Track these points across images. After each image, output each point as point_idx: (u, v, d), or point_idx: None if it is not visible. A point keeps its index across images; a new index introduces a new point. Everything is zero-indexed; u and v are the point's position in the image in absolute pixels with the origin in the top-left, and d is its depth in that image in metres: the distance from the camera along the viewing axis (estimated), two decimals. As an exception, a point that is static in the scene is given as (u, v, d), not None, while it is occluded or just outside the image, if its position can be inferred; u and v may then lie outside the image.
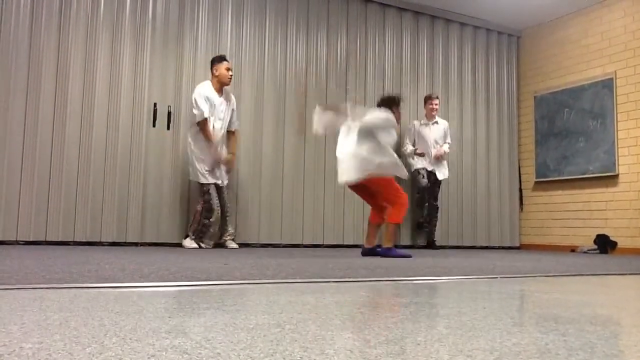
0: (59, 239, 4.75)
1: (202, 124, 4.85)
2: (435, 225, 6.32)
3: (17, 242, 4.60)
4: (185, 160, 5.19)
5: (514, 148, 7.31)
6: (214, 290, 1.74)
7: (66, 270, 2.18)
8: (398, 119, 4.27)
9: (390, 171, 4.09)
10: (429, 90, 6.66)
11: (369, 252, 4.21)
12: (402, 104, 4.45)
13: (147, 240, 5.09)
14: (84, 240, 4.83)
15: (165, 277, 2.07)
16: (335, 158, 6.14)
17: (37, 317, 1.15)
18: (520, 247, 7.23)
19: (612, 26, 6.45)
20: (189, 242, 4.88)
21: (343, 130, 4.23)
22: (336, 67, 6.19)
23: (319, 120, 4.21)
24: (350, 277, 2.27)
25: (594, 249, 6.23)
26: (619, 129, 6.25)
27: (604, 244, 6.17)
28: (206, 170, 4.89)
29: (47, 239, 4.71)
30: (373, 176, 4.04)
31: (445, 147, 6.28)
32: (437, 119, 6.33)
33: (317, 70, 6.07)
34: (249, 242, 5.53)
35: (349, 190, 6.07)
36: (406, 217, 6.02)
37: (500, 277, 2.52)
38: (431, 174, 6.25)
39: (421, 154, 6.22)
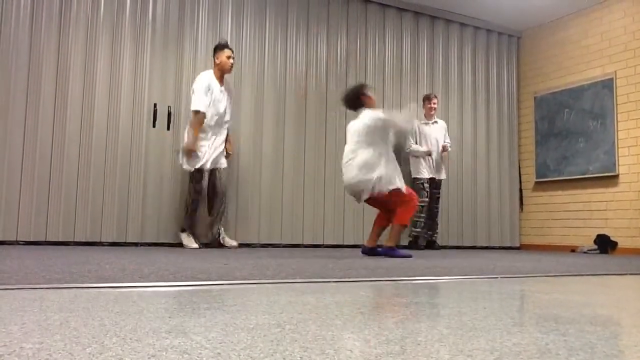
0: (59, 239, 4.75)
1: (194, 114, 4.79)
2: (436, 228, 6.30)
3: (17, 242, 4.61)
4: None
5: (514, 148, 7.32)
6: (214, 291, 1.74)
7: (66, 271, 2.18)
8: (373, 104, 4.17)
9: (393, 181, 3.98)
10: (429, 91, 6.67)
11: (369, 252, 4.19)
12: (369, 88, 4.21)
13: (147, 241, 5.09)
14: (84, 240, 4.84)
15: (165, 277, 2.07)
16: (335, 158, 6.19)
17: (38, 317, 1.15)
18: (521, 247, 7.23)
19: (612, 27, 6.46)
20: (187, 240, 4.87)
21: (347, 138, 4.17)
22: (336, 68, 6.19)
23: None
24: (350, 277, 2.27)
25: (594, 249, 6.23)
26: (619, 129, 6.25)
27: (604, 244, 6.18)
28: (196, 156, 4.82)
29: (47, 239, 4.71)
30: (375, 195, 3.99)
31: (448, 142, 6.32)
32: (436, 118, 6.34)
33: (317, 71, 6.08)
34: (249, 242, 5.53)
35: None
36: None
37: (501, 277, 2.52)
38: (432, 182, 6.24)
39: (428, 152, 6.19)
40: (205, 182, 4.86)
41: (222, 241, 5.06)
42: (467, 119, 6.98)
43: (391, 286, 2.04)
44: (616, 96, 6.31)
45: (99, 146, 4.97)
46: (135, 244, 5.04)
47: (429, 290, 1.91)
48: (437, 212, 6.30)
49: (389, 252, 4.01)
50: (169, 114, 5.27)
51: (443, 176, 6.33)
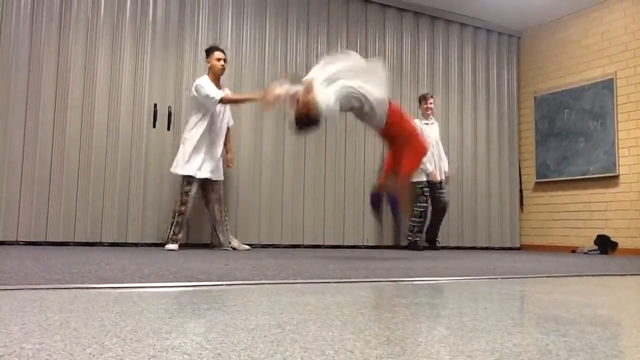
0: (60, 240, 4.75)
1: (219, 102, 4.67)
2: (437, 226, 6.26)
3: (17, 243, 4.61)
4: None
5: (514, 148, 7.31)
6: (214, 291, 1.74)
7: (66, 271, 2.18)
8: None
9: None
10: (430, 91, 6.65)
11: (377, 200, 4.09)
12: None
13: (148, 241, 5.09)
14: (84, 240, 4.83)
15: (165, 277, 2.07)
16: (335, 158, 6.19)
17: (38, 318, 1.15)
18: (521, 248, 7.23)
19: (612, 27, 6.46)
20: (170, 245, 4.63)
21: None
22: (336, 68, 6.17)
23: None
24: (350, 278, 2.27)
25: (595, 250, 6.23)
26: (619, 129, 6.25)
27: (605, 245, 6.17)
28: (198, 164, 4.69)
29: (47, 240, 4.71)
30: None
31: (446, 165, 6.30)
32: (433, 119, 6.29)
33: (317, 71, 6.06)
34: (250, 243, 5.52)
35: (350, 190, 6.10)
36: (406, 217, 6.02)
37: (501, 278, 2.52)
38: (432, 185, 6.17)
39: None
40: (193, 191, 4.67)
41: (234, 247, 4.97)
42: (467, 119, 6.98)
43: (391, 287, 2.04)
44: (616, 96, 6.31)
45: (99, 146, 4.97)
46: (136, 245, 5.04)
47: (429, 291, 1.91)
48: (444, 213, 6.20)
49: (394, 204, 4.02)
50: (170, 115, 5.27)
51: (442, 176, 6.25)
